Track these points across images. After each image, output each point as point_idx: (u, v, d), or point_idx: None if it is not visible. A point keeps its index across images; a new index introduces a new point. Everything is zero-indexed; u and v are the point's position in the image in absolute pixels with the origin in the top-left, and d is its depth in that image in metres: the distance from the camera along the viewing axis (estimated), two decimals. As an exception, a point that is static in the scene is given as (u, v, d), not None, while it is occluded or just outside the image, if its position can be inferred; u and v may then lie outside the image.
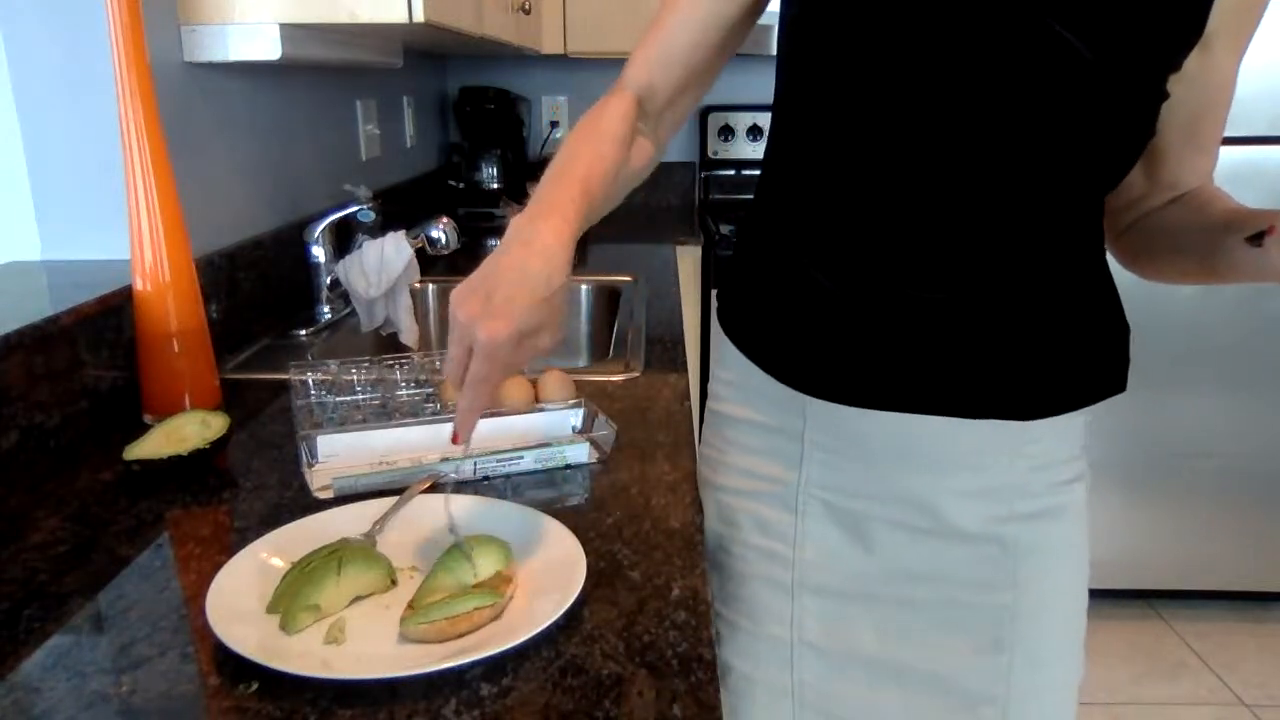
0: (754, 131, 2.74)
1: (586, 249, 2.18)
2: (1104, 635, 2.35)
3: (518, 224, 0.72)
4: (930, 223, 0.76)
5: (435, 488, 0.87)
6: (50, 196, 1.18)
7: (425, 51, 2.46)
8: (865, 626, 0.86)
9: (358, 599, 0.70)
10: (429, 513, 0.82)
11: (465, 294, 0.68)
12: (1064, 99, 0.70)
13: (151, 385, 1.04)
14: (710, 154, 2.77)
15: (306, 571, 0.68)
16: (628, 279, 1.80)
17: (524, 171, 2.68)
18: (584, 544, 0.75)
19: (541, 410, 1.03)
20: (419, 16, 1.24)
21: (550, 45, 2.43)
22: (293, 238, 1.54)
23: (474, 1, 1.60)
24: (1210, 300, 2.25)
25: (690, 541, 0.79)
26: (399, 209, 2.07)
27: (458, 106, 2.68)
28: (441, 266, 1.88)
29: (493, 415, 1.00)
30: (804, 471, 0.85)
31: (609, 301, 1.77)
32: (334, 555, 0.70)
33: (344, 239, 1.56)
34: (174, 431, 0.93)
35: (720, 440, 0.93)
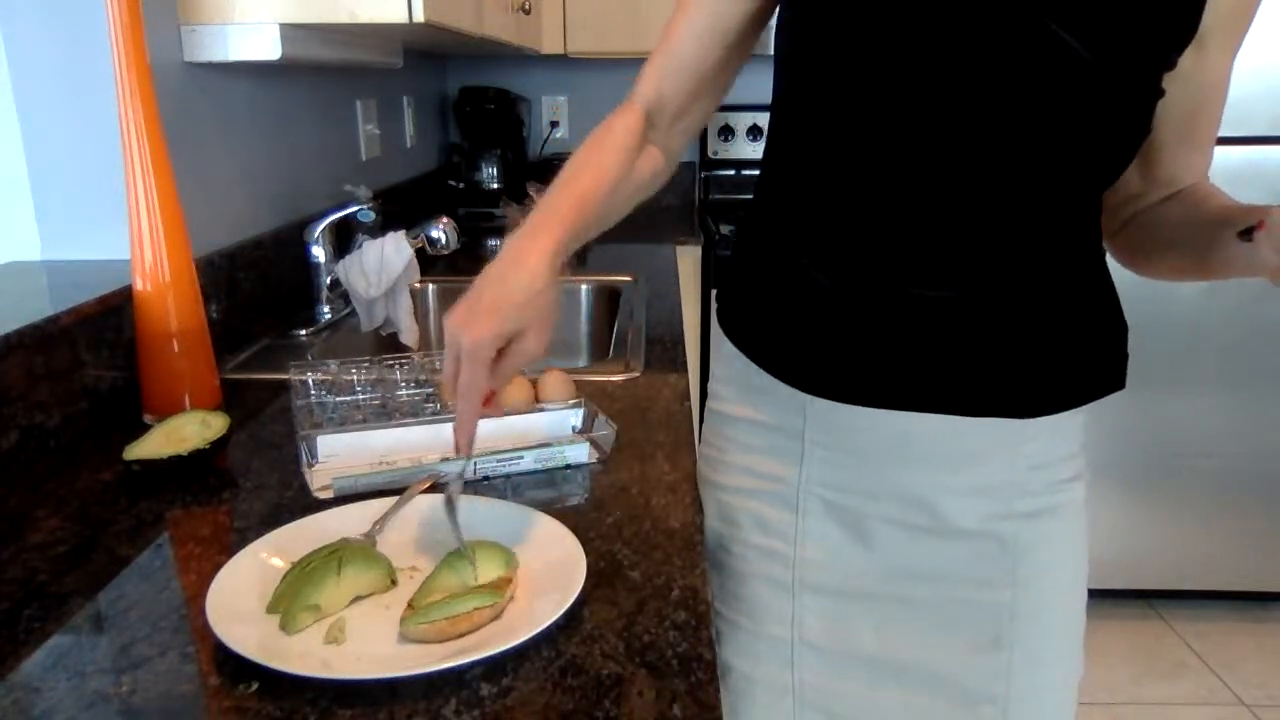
0: (754, 131, 2.74)
1: (587, 249, 2.18)
2: (1104, 635, 2.35)
3: (508, 242, 0.76)
4: (928, 221, 0.76)
5: (435, 488, 0.87)
6: (50, 196, 1.18)
7: (425, 51, 2.46)
8: (865, 625, 0.86)
9: (358, 599, 0.70)
10: (429, 513, 0.82)
11: (455, 308, 0.72)
12: (1061, 98, 0.71)
13: (151, 385, 1.04)
14: (710, 154, 2.77)
15: (306, 571, 0.68)
16: (628, 279, 1.80)
17: (524, 171, 2.68)
18: (584, 544, 0.75)
19: (541, 410, 1.03)
20: (419, 16, 1.24)
21: (550, 45, 2.43)
22: (293, 238, 1.54)
23: (474, 1, 1.60)
24: (1210, 300, 2.25)
25: (690, 541, 0.79)
26: (399, 209, 2.07)
27: (458, 106, 2.68)
28: (441, 266, 1.88)
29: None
30: (804, 470, 0.85)
31: (609, 301, 1.77)
32: (334, 555, 0.70)
33: (344, 239, 1.56)
34: (174, 431, 0.93)
35: (721, 439, 0.93)
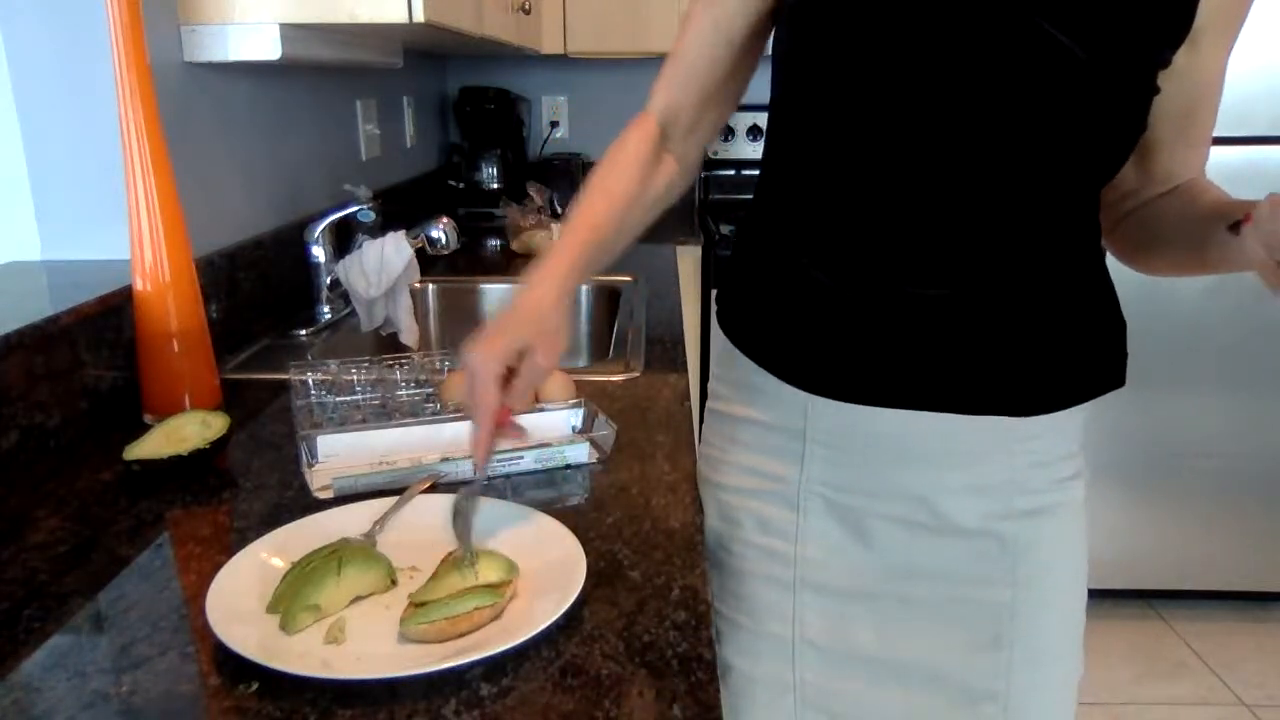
0: (754, 131, 2.74)
1: (586, 249, 2.17)
2: (1104, 635, 2.35)
3: (525, 276, 0.81)
4: (927, 220, 0.76)
5: (435, 488, 0.87)
6: (50, 196, 1.18)
7: (425, 51, 2.46)
8: (866, 624, 0.86)
9: (358, 599, 0.70)
10: (429, 513, 0.82)
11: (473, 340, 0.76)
12: (1057, 97, 0.71)
13: (151, 385, 1.04)
14: (710, 154, 2.77)
15: (306, 571, 0.68)
16: (628, 279, 1.80)
17: (524, 171, 2.68)
18: (584, 544, 0.75)
19: (541, 410, 1.03)
20: (419, 16, 1.24)
21: (550, 45, 2.43)
22: (293, 238, 1.54)
23: (474, 1, 1.60)
24: (1210, 300, 2.25)
25: (690, 541, 0.79)
26: (399, 209, 2.07)
27: (458, 106, 2.68)
28: (441, 266, 1.88)
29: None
30: (805, 469, 0.85)
31: (609, 301, 1.77)
32: (334, 555, 0.70)
33: (344, 239, 1.56)
34: (174, 431, 0.93)
35: (721, 439, 0.93)
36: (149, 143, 1.00)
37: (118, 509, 0.85)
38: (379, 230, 1.49)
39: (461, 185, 2.66)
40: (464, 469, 0.90)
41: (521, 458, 0.92)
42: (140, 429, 0.96)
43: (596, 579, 0.72)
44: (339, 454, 0.95)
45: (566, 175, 2.70)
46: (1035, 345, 0.79)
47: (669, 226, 2.50)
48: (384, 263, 1.41)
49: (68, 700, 0.59)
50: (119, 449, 0.91)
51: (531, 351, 0.75)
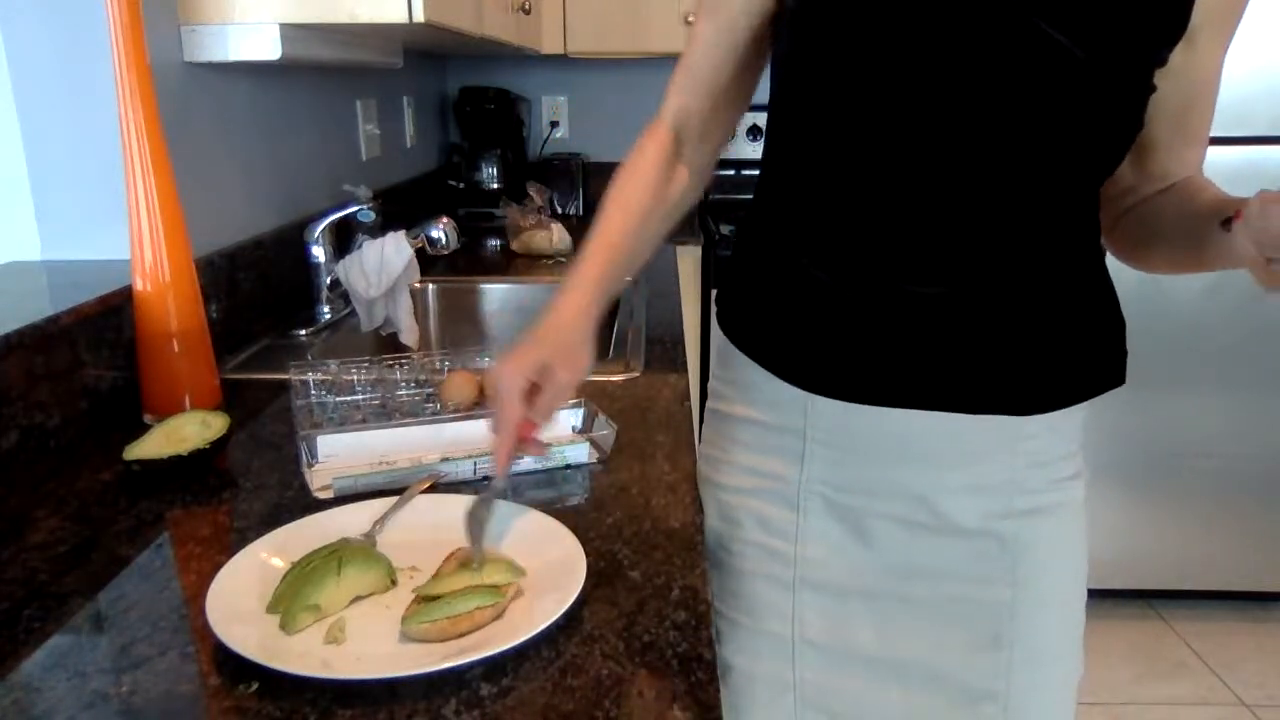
0: (754, 132, 2.74)
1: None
2: (1104, 635, 2.35)
3: (553, 296, 0.84)
4: (926, 218, 0.76)
5: (435, 488, 0.87)
6: (50, 196, 1.18)
7: (425, 51, 2.46)
8: (865, 623, 0.86)
9: (358, 599, 0.70)
10: (429, 513, 0.82)
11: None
12: (1054, 96, 0.71)
13: (151, 385, 1.04)
14: (712, 154, 2.76)
15: (306, 571, 0.68)
16: (628, 279, 1.80)
17: (524, 171, 2.68)
18: (584, 544, 0.75)
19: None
20: (419, 16, 1.24)
21: (550, 45, 2.43)
22: (293, 238, 1.54)
23: (474, 1, 1.60)
24: (1210, 300, 2.25)
25: (690, 541, 0.79)
26: (399, 209, 2.07)
27: (458, 106, 2.68)
28: (441, 266, 1.88)
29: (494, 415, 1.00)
30: (805, 468, 0.85)
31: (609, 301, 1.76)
32: (334, 555, 0.70)
33: (344, 239, 1.56)
34: (174, 431, 0.93)
35: (722, 439, 0.94)
36: (149, 143, 1.00)
37: (118, 509, 0.85)
38: (379, 230, 1.49)
39: (461, 185, 2.66)
40: (464, 469, 0.90)
41: (521, 458, 0.91)
42: (140, 429, 0.96)
43: (596, 579, 0.72)
44: (339, 454, 0.95)
45: (566, 175, 2.70)
46: (1035, 343, 0.79)
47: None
48: (384, 263, 1.41)
49: (68, 700, 0.59)
50: (119, 449, 0.91)
51: (553, 367, 0.77)
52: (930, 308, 0.77)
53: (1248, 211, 0.66)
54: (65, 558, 0.76)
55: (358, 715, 0.57)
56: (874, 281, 0.78)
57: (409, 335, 1.48)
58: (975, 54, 0.71)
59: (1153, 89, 0.75)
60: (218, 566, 0.71)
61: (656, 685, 0.60)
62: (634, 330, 1.44)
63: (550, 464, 0.93)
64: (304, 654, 0.63)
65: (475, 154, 2.66)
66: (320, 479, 0.89)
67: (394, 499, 0.83)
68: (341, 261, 1.45)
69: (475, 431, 0.98)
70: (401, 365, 1.16)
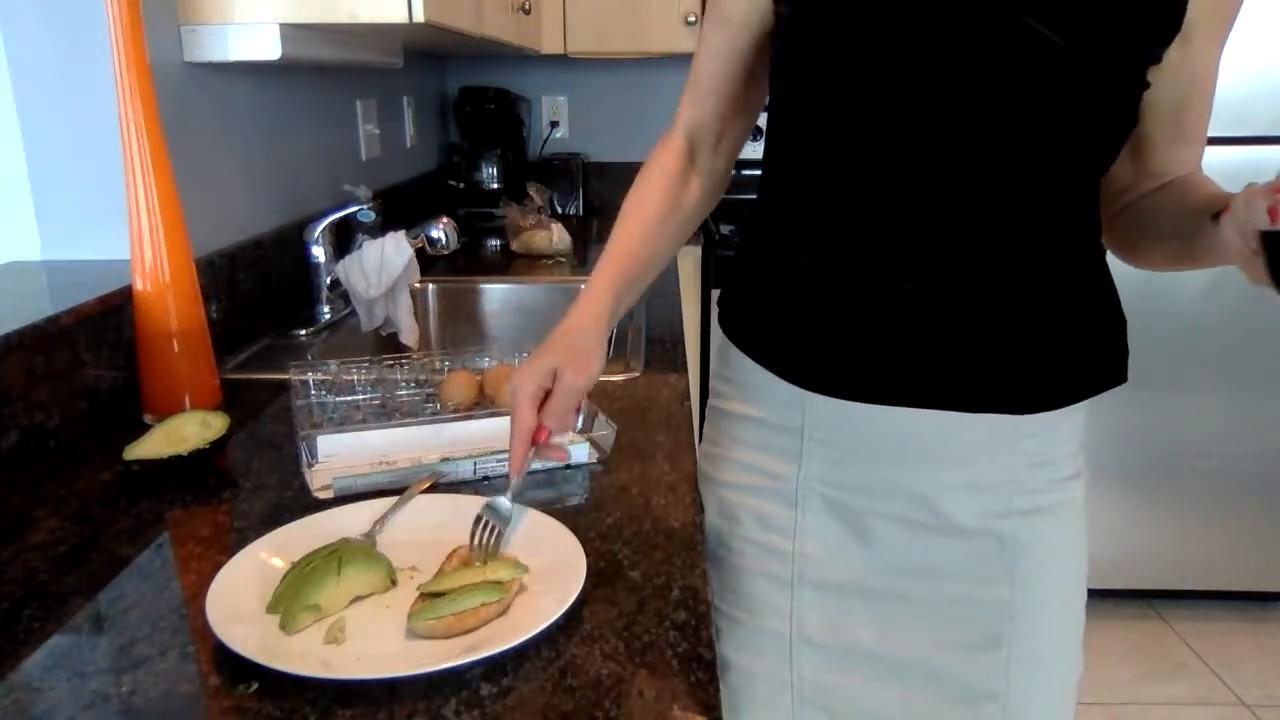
0: (754, 132, 2.74)
1: (588, 250, 2.18)
2: (1104, 635, 2.35)
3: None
4: (922, 216, 0.76)
5: (435, 488, 0.87)
6: (50, 196, 1.18)
7: (425, 51, 2.46)
8: (864, 621, 0.86)
9: (358, 599, 0.70)
10: (429, 513, 0.82)
11: None
12: (1040, 88, 0.71)
13: (151, 385, 1.04)
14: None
15: (306, 571, 0.68)
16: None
17: (524, 171, 2.68)
18: (584, 544, 0.75)
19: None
20: (419, 16, 1.24)
21: (550, 45, 2.43)
22: (293, 238, 1.54)
23: (474, 1, 1.60)
24: (1210, 300, 2.25)
25: (690, 541, 0.79)
26: (399, 209, 2.07)
27: (458, 106, 2.68)
28: (441, 266, 1.88)
29: (493, 415, 1.00)
30: (804, 466, 0.85)
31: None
32: (334, 555, 0.70)
33: (344, 239, 1.56)
34: (174, 431, 0.93)
35: (722, 437, 0.94)
36: (149, 143, 1.00)
37: (118, 509, 0.85)
38: (379, 230, 1.48)
39: (461, 185, 2.66)
40: (464, 469, 0.90)
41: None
42: (140, 429, 0.96)
43: (596, 579, 0.72)
44: (339, 454, 0.95)
45: (566, 175, 2.70)
46: (1035, 341, 0.79)
47: (669, 226, 2.50)
48: (384, 263, 1.41)
49: (68, 700, 0.59)
50: (119, 449, 0.91)
51: (563, 371, 0.78)
52: (928, 306, 0.77)
53: (1234, 204, 0.66)
54: (65, 558, 0.76)
55: (358, 715, 0.57)
56: (871, 280, 0.78)
57: (409, 335, 1.48)
58: (958, 47, 0.71)
59: (1146, 85, 0.75)
60: (218, 566, 0.71)
61: (656, 685, 0.60)
62: (634, 330, 1.44)
63: (550, 464, 0.93)
64: (304, 654, 0.63)
65: (475, 154, 2.66)
66: (320, 479, 0.89)
67: (394, 499, 0.83)
68: (341, 261, 1.45)
69: (475, 431, 0.98)
70: (401, 365, 1.16)
